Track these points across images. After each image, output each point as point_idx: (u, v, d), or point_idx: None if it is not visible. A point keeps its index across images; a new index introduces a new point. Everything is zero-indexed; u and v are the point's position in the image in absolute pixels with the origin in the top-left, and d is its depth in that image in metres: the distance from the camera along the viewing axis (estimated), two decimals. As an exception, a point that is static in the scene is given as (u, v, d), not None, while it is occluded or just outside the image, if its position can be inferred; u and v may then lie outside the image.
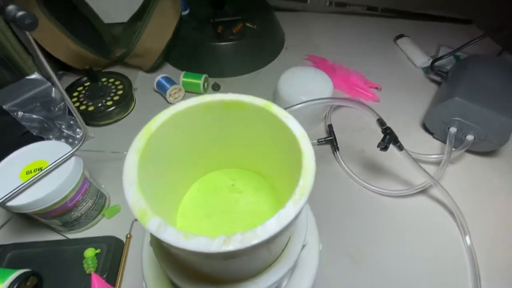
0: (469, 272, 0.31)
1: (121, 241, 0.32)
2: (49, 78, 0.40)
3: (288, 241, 0.15)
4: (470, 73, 0.43)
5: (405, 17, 0.70)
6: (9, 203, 0.25)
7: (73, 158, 0.28)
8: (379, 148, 0.31)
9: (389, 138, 0.30)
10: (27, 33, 0.20)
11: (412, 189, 0.36)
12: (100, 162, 0.39)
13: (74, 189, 0.28)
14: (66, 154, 0.28)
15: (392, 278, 0.31)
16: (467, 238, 0.33)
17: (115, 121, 0.45)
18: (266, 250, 0.12)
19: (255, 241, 0.10)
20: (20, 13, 0.17)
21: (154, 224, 0.10)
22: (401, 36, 0.64)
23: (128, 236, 0.33)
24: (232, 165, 0.18)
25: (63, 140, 0.41)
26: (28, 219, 0.34)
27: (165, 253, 0.15)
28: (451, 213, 0.36)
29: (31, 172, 0.27)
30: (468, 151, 0.42)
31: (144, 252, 0.20)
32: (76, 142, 0.42)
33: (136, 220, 0.29)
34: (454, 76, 0.45)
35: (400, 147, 0.31)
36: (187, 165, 0.16)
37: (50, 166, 0.27)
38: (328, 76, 0.45)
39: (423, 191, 0.38)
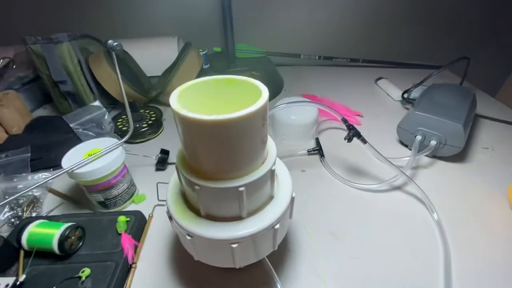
0: (439, 242, 0.36)
1: (145, 217, 0.40)
2: (106, 107, 0.55)
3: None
4: (429, 94, 0.53)
5: (383, 65, 0.85)
6: (76, 171, 0.35)
7: (120, 148, 0.39)
8: (346, 140, 0.39)
9: (353, 132, 0.39)
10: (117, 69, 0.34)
11: (385, 182, 0.43)
12: (133, 163, 0.50)
13: (117, 170, 0.39)
14: (116, 143, 0.39)
15: (368, 248, 0.36)
16: (435, 214, 0.38)
17: (147, 140, 0.58)
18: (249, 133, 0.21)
19: (244, 113, 0.19)
20: (115, 43, 0.30)
21: (184, 111, 0.20)
22: (380, 78, 0.77)
23: (150, 215, 0.41)
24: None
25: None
26: (75, 203, 0.44)
27: (183, 161, 0.25)
28: (420, 200, 0.41)
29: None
30: (439, 157, 0.50)
31: (169, 188, 0.29)
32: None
33: (157, 205, 0.39)
34: (418, 100, 0.56)
35: (364, 140, 0.40)
36: (200, 98, 0.26)
37: (103, 150, 0.38)
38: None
39: (397, 188, 0.44)
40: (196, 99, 0.25)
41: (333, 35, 0.89)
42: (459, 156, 0.50)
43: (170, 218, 0.28)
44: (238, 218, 0.26)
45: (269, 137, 0.28)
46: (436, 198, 0.41)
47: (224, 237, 0.24)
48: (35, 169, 0.48)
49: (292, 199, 0.29)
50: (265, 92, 0.23)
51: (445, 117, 0.46)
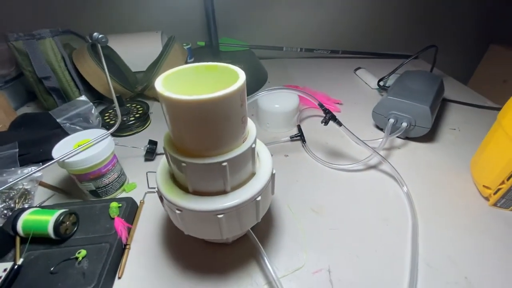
0: (408, 211, 0.40)
1: (137, 203, 0.42)
2: (92, 103, 0.56)
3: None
4: (401, 81, 0.57)
5: (362, 56, 0.89)
6: (67, 160, 0.37)
7: (109, 137, 0.41)
8: (322, 124, 0.43)
9: (329, 116, 0.42)
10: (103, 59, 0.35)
11: (360, 162, 0.47)
12: (123, 154, 0.51)
13: (107, 159, 0.40)
14: (105, 133, 0.41)
15: (346, 220, 0.39)
16: (405, 188, 0.42)
17: (135, 133, 0.59)
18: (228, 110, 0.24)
19: (222, 93, 0.22)
20: (100, 36, 0.32)
21: (168, 93, 0.22)
22: (359, 68, 0.81)
23: (142, 201, 0.43)
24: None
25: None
26: (66, 194, 0.45)
27: (170, 142, 0.27)
28: (392, 176, 0.45)
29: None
30: (411, 138, 0.54)
31: (158, 169, 0.31)
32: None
33: (147, 192, 0.41)
34: (391, 86, 0.60)
35: (339, 123, 0.43)
36: (182, 84, 0.28)
37: (93, 140, 0.39)
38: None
39: (372, 167, 0.48)
40: (179, 84, 0.27)
41: (314, 28, 0.92)
42: (429, 137, 0.54)
43: (161, 198, 0.30)
44: (223, 192, 0.28)
45: (250, 120, 0.30)
46: (406, 173, 0.45)
47: (210, 208, 0.27)
48: (23, 164, 0.48)
49: (273, 176, 0.32)
50: (242, 75, 0.25)
51: (414, 100, 0.50)
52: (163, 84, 0.24)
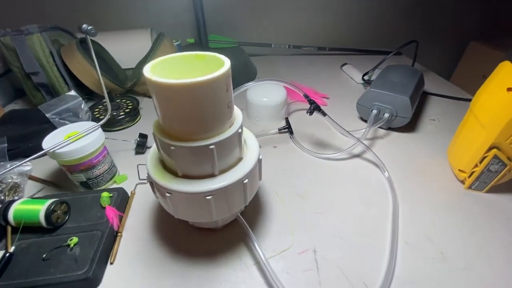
0: (389, 194, 0.42)
1: (128, 193, 0.43)
2: (83, 98, 0.56)
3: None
4: (383, 75, 0.60)
5: (348, 53, 0.91)
6: (58, 151, 0.37)
7: (99, 129, 0.42)
8: (308, 114, 0.44)
9: (314, 106, 0.44)
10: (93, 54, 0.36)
11: (344, 151, 0.49)
12: (113, 148, 0.52)
13: (98, 150, 0.41)
14: (96, 125, 0.41)
15: (331, 204, 0.41)
16: (386, 173, 0.44)
17: (125, 128, 0.59)
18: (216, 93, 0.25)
19: (208, 77, 0.23)
20: (89, 27, 0.33)
21: (155, 77, 0.24)
22: (345, 64, 0.83)
23: (133, 192, 0.43)
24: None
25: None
26: (56, 187, 0.45)
27: (159, 128, 0.28)
28: (375, 164, 0.47)
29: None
30: (393, 129, 0.56)
31: (149, 156, 0.32)
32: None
33: (138, 183, 0.41)
34: (374, 80, 0.62)
35: (323, 113, 0.45)
36: (171, 71, 0.29)
37: (83, 131, 0.40)
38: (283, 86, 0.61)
39: (356, 155, 0.50)
40: (168, 71, 0.28)
41: (301, 26, 0.95)
42: (410, 127, 0.57)
43: (152, 184, 0.32)
44: (212, 175, 0.30)
45: (236, 108, 0.32)
46: (388, 161, 0.47)
47: (199, 190, 0.28)
48: (13, 159, 0.48)
49: (259, 161, 0.33)
50: (227, 62, 0.27)
51: (395, 92, 0.52)
52: (151, 70, 0.25)
